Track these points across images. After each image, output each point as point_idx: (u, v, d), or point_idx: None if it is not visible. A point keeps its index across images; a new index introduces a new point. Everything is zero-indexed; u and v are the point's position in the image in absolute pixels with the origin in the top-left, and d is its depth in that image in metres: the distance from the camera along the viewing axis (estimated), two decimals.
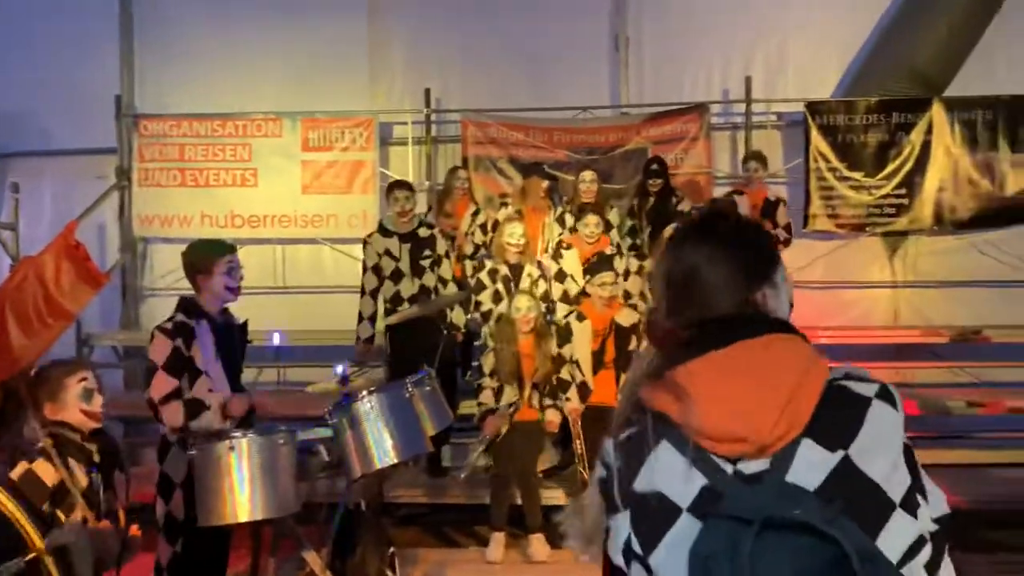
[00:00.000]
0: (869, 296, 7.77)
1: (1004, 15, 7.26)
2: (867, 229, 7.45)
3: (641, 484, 1.20)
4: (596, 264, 5.50)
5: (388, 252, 5.74)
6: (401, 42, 7.91)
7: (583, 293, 5.66)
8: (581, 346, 5.30)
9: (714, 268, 1.28)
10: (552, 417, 5.22)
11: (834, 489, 1.11)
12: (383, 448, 3.38)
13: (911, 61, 7.28)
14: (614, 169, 7.49)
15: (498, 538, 5.01)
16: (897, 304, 7.70)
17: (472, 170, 7.46)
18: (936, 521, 1.16)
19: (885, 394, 1.19)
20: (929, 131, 7.30)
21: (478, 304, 5.73)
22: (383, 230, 5.86)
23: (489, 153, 7.58)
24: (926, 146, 7.33)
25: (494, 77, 7.78)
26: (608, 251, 5.84)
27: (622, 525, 1.22)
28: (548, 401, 5.26)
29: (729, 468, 1.16)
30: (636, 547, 1.20)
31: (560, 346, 5.30)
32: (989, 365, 7.08)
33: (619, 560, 1.24)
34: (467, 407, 5.67)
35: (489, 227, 6.41)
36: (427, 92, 7.73)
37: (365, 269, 5.84)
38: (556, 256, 5.95)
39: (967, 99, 7.32)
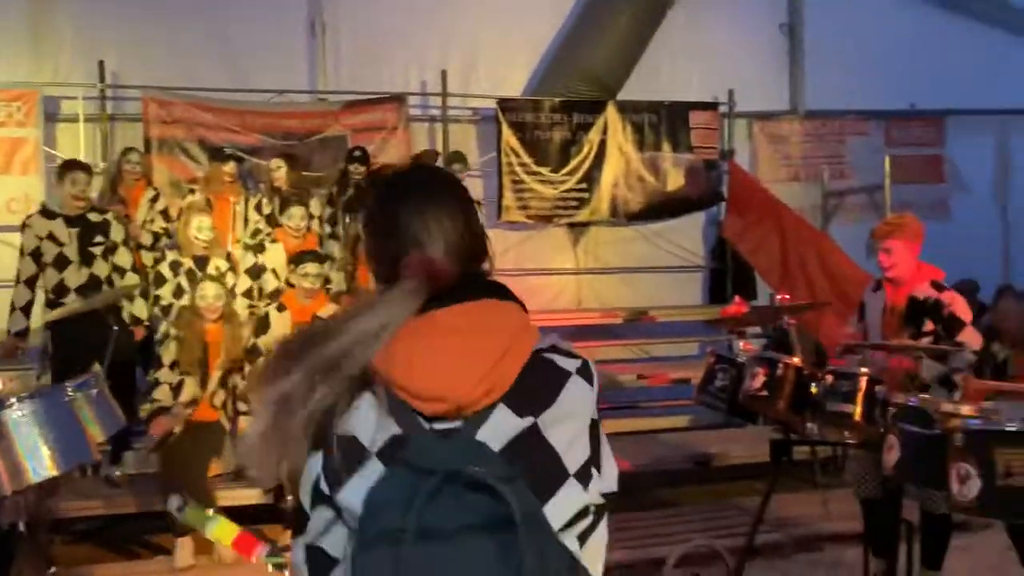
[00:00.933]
0: (557, 282, 8.37)
1: (666, 29, 8.14)
2: (554, 220, 8.00)
3: (339, 428, 1.19)
4: (301, 254, 5.36)
5: (52, 236, 5.16)
6: (69, 7, 7.12)
7: (288, 284, 5.48)
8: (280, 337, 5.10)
9: (452, 220, 1.30)
10: (246, 426, 4.93)
11: (516, 452, 1.15)
12: (38, 460, 3.02)
13: (589, 65, 7.92)
14: (312, 156, 7.34)
15: (184, 543, 4.70)
16: (580, 289, 8.36)
17: (156, 152, 6.93)
18: (603, 495, 1.24)
19: (584, 370, 1.26)
20: (605, 131, 8.00)
21: (157, 298, 5.35)
22: (46, 212, 5.28)
23: (174, 134, 7.05)
24: (603, 145, 8.02)
25: (180, 54, 7.25)
26: (317, 248, 5.73)
27: (314, 465, 1.22)
28: (243, 407, 4.95)
29: (426, 424, 1.18)
30: (323, 487, 1.20)
31: (257, 336, 5.09)
32: (655, 342, 7.93)
33: (306, 501, 1.23)
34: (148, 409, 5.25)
35: (173, 215, 5.98)
36: (101, 65, 7.03)
37: (22, 254, 5.21)
38: (259, 249, 5.70)
39: (636, 103, 8.11)
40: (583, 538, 1.21)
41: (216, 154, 6.46)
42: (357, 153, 6.68)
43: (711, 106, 8.30)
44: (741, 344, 4.23)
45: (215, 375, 4.94)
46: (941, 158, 9.01)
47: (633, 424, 7.23)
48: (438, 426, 1.19)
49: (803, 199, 8.41)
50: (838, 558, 4.57)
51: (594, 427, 1.25)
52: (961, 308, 3.98)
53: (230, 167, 6.20)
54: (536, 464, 1.17)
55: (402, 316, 1.20)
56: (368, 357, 1.19)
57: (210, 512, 1.93)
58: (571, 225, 8.16)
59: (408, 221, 1.29)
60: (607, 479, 1.26)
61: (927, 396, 3.37)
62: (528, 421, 1.19)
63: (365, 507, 1.12)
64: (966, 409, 3.08)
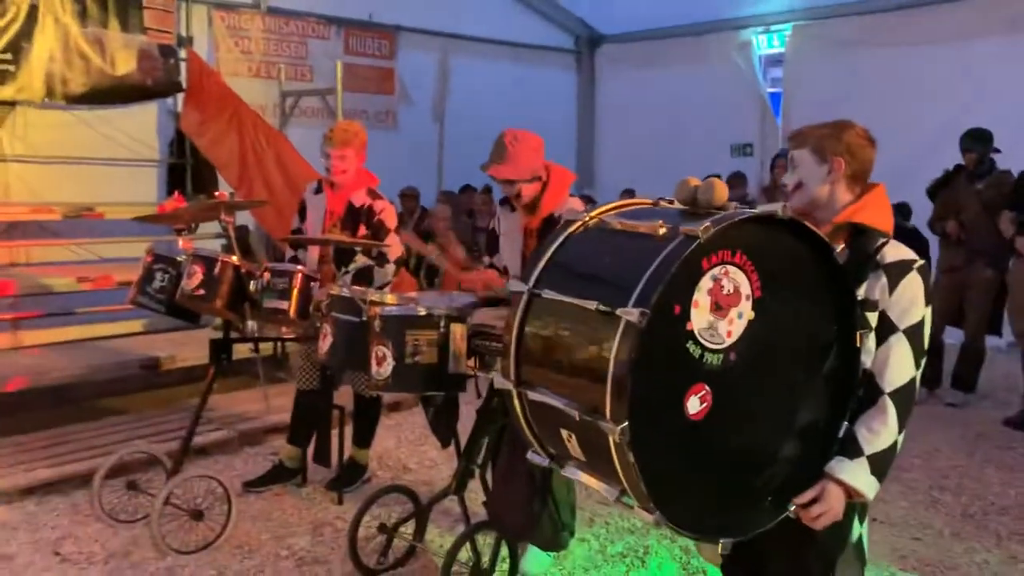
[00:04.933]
0: None
1: None
2: None
3: None
4: None
5: None
6: None
7: None
8: None
9: None
10: None
11: None
12: None
13: None
14: None
15: None
16: (7, 179, 7.18)
17: None
18: None
19: None
20: None
21: None
22: None
23: None
24: (33, 11, 6.85)
25: None
26: None
27: None
28: None
29: None
30: None
31: None
32: (102, 241, 7.22)
33: None
34: None
35: None
36: None
37: None
38: None
39: None
40: None
41: None
42: None
43: None
44: (181, 242, 4.02)
45: None
46: (392, 71, 9.65)
47: (78, 332, 6.57)
48: None
49: (262, 96, 8.31)
50: (278, 448, 4.75)
51: None
52: (389, 216, 4.32)
53: None
54: None
55: None
56: None
57: None
58: None
59: None
60: None
61: (358, 287, 3.58)
62: None
63: None
64: (389, 298, 3.36)
